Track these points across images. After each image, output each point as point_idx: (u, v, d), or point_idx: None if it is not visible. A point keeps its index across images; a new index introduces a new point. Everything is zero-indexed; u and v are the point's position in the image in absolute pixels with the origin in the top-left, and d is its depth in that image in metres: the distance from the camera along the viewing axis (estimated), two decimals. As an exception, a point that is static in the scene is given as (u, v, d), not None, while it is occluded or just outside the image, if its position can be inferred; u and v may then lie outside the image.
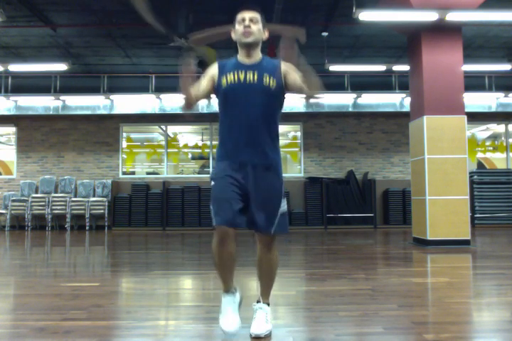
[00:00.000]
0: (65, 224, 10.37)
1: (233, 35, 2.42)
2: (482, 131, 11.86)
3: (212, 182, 2.37)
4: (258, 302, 2.47)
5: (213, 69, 2.44)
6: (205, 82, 2.42)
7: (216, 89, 2.41)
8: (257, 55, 2.41)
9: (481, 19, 6.28)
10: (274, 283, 2.53)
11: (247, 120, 2.32)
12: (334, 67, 8.92)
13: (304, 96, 2.37)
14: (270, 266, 2.46)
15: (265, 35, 2.42)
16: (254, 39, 2.35)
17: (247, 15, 2.35)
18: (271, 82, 2.34)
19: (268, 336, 2.30)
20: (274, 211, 2.34)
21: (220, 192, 2.31)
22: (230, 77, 2.35)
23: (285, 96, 2.44)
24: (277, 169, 2.40)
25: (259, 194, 2.32)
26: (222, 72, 2.39)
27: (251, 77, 2.34)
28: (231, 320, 2.30)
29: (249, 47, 2.37)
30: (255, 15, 2.36)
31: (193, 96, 2.38)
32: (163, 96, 10.28)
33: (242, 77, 2.34)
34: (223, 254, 2.28)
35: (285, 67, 2.39)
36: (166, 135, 11.46)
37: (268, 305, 2.47)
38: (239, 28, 2.35)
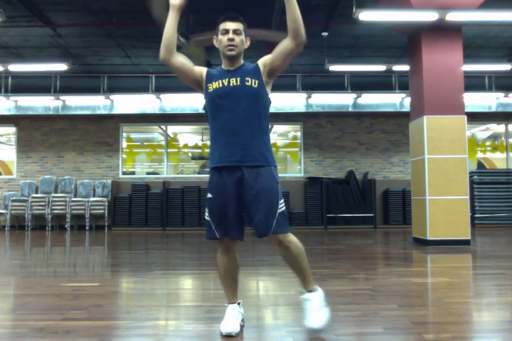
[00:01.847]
0: (65, 224, 10.37)
1: (216, 44, 2.48)
2: (482, 131, 11.86)
3: (209, 195, 2.43)
4: (303, 293, 2.45)
5: (203, 69, 2.51)
6: (189, 64, 2.47)
7: (204, 95, 2.49)
8: (239, 63, 2.48)
9: (481, 19, 6.28)
10: (295, 274, 2.45)
11: (234, 122, 2.37)
12: (334, 67, 8.92)
13: (292, 41, 2.32)
14: (295, 258, 2.39)
15: (247, 43, 2.48)
16: (238, 51, 2.42)
17: (230, 26, 2.39)
18: (253, 82, 2.40)
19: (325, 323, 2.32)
20: (272, 212, 2.33)
21: (216, 205, 2.39)
22: (216, 84, 2.42)
23: (269, 97, 2.49)
24: (271, 169, 2.41)
25: (256, 197, 2.33)
26: (209, 79, 2.46)
27: (234, 81, 2.41)
28: (231, 324, 2.36)
29: (232, 58, 2.44)
30: (238, 26, 2.40)
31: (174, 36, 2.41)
32: (163, 96, 10.29)
33: (226, 82, 2.41)
34: (228, 263, 2.44)
35: (262, 59, 2.46)
36: (166, 135, 11.46)
37: (313, 291, 2.42)
38: (222, 39, 2.41)
